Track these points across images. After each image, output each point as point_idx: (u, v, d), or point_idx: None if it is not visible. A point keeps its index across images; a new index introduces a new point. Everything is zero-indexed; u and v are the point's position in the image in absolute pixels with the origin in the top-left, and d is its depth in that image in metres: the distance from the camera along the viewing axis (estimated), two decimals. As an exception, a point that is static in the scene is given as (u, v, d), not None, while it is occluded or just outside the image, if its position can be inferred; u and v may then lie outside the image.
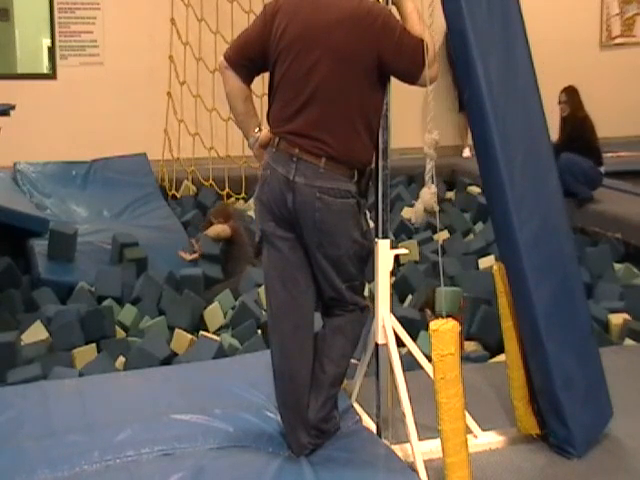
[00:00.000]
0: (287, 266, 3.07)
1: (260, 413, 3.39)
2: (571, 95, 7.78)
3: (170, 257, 7.06)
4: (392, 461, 3.13)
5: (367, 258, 3.17)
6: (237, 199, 8.92)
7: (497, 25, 3.21)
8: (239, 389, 3.61)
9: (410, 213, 8.19)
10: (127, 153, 8.63)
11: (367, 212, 3.17)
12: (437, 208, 3.17)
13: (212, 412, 3.39)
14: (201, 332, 5.49)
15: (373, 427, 3.38)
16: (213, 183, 8.99)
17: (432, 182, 3.15)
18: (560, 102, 7.79)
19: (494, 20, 3.20)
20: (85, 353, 5.16)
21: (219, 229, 6.93)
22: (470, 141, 3.41)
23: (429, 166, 3.15)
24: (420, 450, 3.12)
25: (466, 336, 5.22)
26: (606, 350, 4.06)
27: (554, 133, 3.15)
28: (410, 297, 6.15)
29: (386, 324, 3.24)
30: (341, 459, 3.12)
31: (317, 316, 3.19)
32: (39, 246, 6.81)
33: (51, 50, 9.73)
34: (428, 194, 3.15)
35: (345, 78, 2.94)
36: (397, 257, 3.58)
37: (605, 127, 8.29)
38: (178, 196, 8.93)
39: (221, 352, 4.94)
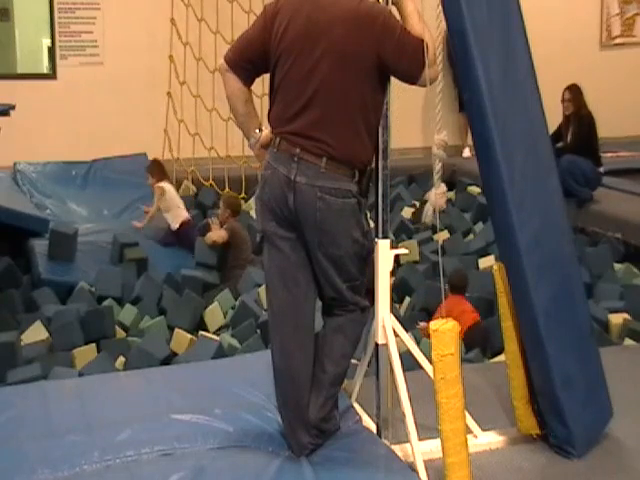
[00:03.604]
0: (288, 266, 3.07)
1: (260, 413, 3.39)
2: (575, 93, 7.77)
3: (170, 257, 7.07)
4: (392, 461, 3.13)
5: (367, 258, 3.17)
6: (237, 199, 8.92)
7: (497, 25, 3.21)
8: (239, 389, 3.61)
9: (409, 213, 8.23)
10: (127, 153, 8.63)
11: (367, 212, 3.17)
12: (445, 207, 3.18)
13: (212, 412, 3.39)
14: (201, 332, 5.50)
15: (373, 427, 3.38)
16: (213, 183, 8.99)
17: (441, 182, 3.16)
18: (564, 100, 7.78)
19: (494, 20, 3.20)
20: (85, 353, 5.17)
21: (215, 236, 6.86)
22: (470, 141, 3.40)
23: (438, 167, 3.15)
24: (420, 450, 3.12)
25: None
26: (606, 350, 4.06)
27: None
28: (408, 299, 6.15)
29: (386, 324, 3.24)
30: (341, 459, 3.12)
31: (317, 316, 3.19)
32: (39, 246, 6.81)
33: (51, 50, 9.73)
34: (436, 194, 3.15)
35: (346, 78, 2.94)
36: (397, 257, 3.58)
37: (605, 127, 8.28)
38: (178, 196, 8.93)
39: (221, 352, 4.94)
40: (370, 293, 3.25)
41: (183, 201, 8.62)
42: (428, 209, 3.24)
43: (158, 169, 7.62)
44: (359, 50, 2.92)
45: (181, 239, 7.27)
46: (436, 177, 3.15)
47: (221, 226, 7.08)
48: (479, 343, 5.28)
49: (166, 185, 7.46)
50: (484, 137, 3.20)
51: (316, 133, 2.96)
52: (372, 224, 3.23)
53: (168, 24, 9.15)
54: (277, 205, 3.01)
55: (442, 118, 3.17)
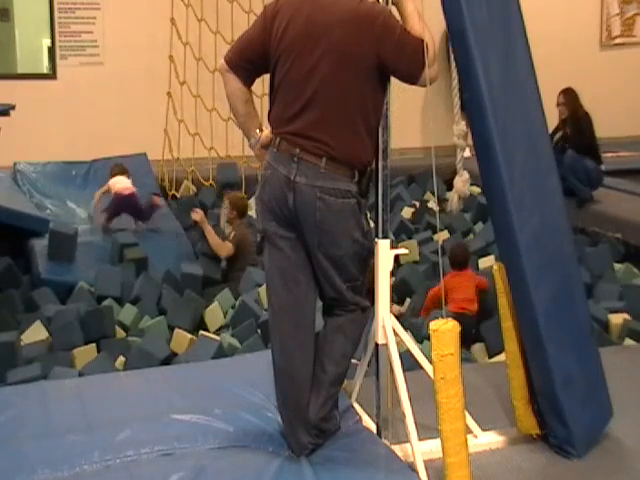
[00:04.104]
0: (288, 266, 3.07)
1: (260, 413, 3.39)
2: (569, 96, 7.79)
3: (170, 257, 7.06)
4: (392, 461, 3.13)
5: (368, 258, 3.17)
6: (237, 199, 8.91)
7: (497, 25, 3.21)
8: (239, 389, 3.61)
9: (409, 213, 8.22)
10: (127, 153, 8.63)
11: (367, 212, 3.17)
12: (468, 194, 3.21)
13: (212, 412, 3.39)
14: (201, 332, 5.49)
15: (373, 427, 3.38)
16: (213, 183, 8.99)
17: (463, 170, 3.19)
18: (558, 104, 7.79)
19: (494, 20, 3.20)
20: (85, 353, 5.16)
21: (224, 253, 6.80)
22: (470, 141, 3.41)
23: (459, 155, 3.18)
24: (420, 450, 3.12)
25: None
26: (606, 350, 4.06)
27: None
28: (409, 299, 6.15)
29: (386, 324, 3.24)
30: (341, 459, 3.12)
31: (318, 316, 3.19)
32: (39, 246, 6.81)
33: (51, 50, 9.74)
34: (460, 182, 3.19)
35: (345, 79, 2.94)
36: (397, 257, 3.58)
37: (605, 127, 8.28)
38: (178, 196, 8.93)
39: (221, 352, 4.94)
40: (370, 293, 3.25)
41: (183, 201, 8.66)
42: (453, 197, 3.26)
43: (117, 170, 7.68)
44: (359, 50, 2.92)
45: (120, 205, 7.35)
46: (458, 165, 3.18)
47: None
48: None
49: (114, 178, 7.53)
50: (484, 137, 3.20)
51: (316, 133, 2.96)
52: (372, 224, 3.24)
53: (168, 24, 9.15)
54: (277, 205, 3.02)
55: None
